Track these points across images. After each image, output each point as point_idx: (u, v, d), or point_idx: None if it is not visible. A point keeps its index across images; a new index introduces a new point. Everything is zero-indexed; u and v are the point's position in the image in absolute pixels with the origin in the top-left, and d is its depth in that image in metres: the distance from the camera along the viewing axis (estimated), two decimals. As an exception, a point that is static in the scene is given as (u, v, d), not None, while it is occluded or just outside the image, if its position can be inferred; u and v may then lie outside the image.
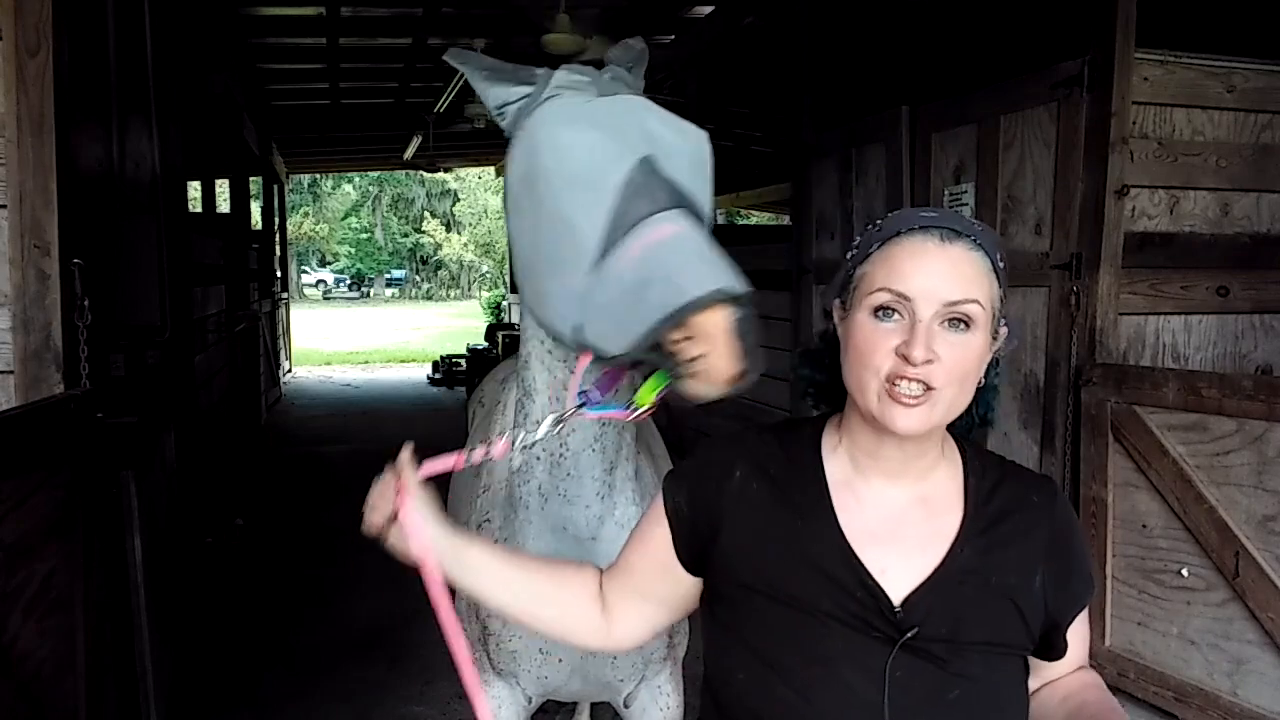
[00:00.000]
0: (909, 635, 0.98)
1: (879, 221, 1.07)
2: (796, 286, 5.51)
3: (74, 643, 2.19)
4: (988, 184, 3.83)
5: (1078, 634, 1.11)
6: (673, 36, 7.63)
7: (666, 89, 8.31)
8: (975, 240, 1.01)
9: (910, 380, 0.96)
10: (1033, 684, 1.11)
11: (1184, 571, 2.98)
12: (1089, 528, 3.27)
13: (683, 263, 1.07)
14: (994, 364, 1.09)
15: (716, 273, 1.05)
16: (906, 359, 0.96)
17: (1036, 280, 3.61)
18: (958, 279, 0.98)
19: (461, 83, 8.76)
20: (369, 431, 8.64)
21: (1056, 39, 4.46)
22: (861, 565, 1.02)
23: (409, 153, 12.67)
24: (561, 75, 1.33)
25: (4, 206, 2.17)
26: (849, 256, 1.09)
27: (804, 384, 1.19)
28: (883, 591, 1.00)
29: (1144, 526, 3.12)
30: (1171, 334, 3.53)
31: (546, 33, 6.22)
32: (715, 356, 1.04)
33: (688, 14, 7.28)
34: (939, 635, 0.99)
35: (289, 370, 13.28)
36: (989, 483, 1.08)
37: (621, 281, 1.11)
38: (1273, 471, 2.71)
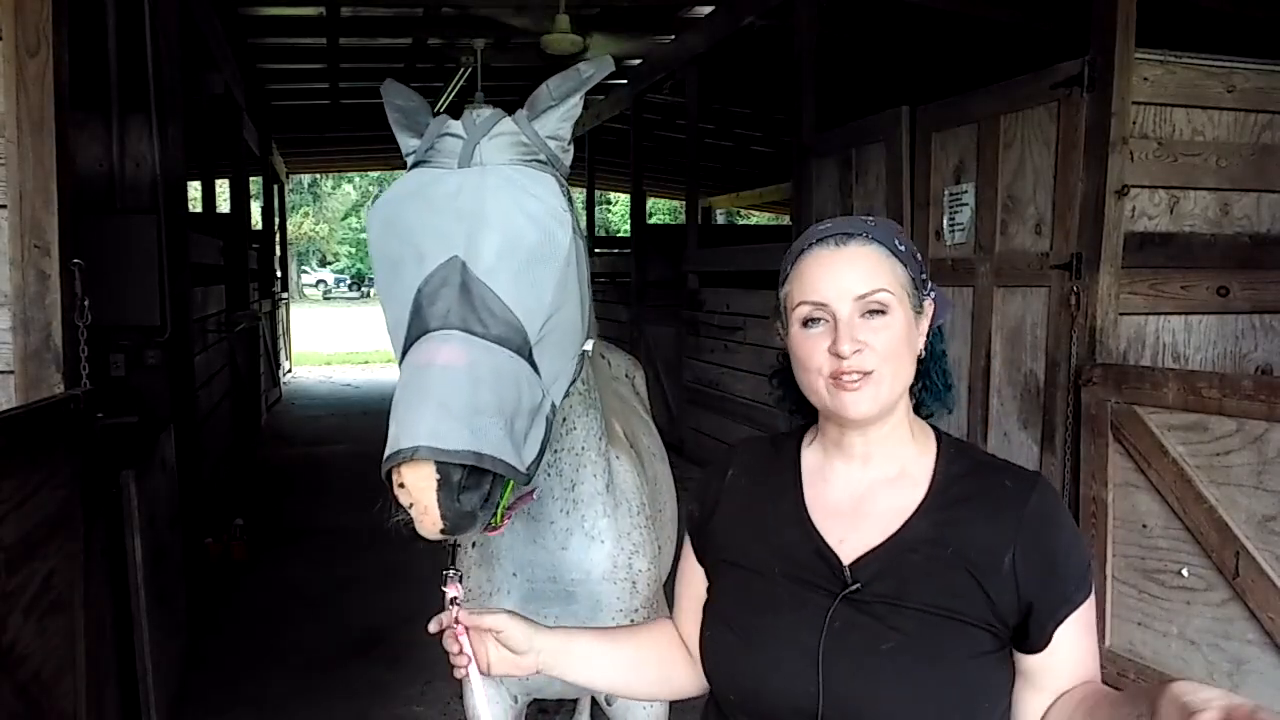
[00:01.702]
0: (851, 589, 1.08)
1: (792, 246, 1.18)
2: (796, 286, 5.51)
3: (74, 643, 2.19)
4: (988, 184, 3.83)
5: (1079, 644, 1.08)
6: (673, 36, 7.62)
7: (666, 89, 8.31)
8: (867, 236, 1.12)
9: (849, 372, 1.08)
10: (1042, 700, 1.09)
11: (1184, 571, 2.98)
12: (1089, 528, 3.27)
13: (415, 404, 1.04)
14: (936, 331, 1.19)
15: (439, 425, 1.02)
16: (839, 355, 1.08)
17: (1036, 280, 3.61)
18: (860, 274, 1.10)
19: (462, 82, 8.77)
20: (369, 431, 8.63)
21: (1056, 39, 4.47)
22: (819, 534, 1.13)
23: (409, 153, 12.65)
24: (435, 132, 1.25)
25: (4, 206, 2.17)
26: (779, 284, 1.19)
27: (783, 403, 1.28)
28: (835, 555, 1.11)
29: (1144, 526, 3.12)
30: (1171, 334, 3.53)
31: (546, 33, 6.22)
32: (416, 511, 1.05)
33: (688, 14, 7.27)
34: (882, 593, 1.07)
35: (289, 370, 13.29)
36: (960, 468, 1.14)
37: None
38: (1273, 471, 2.71)
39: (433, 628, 1.20)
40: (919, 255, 1.17)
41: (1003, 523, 1.07)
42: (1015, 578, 1.05)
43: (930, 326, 1.18)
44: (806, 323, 1.11)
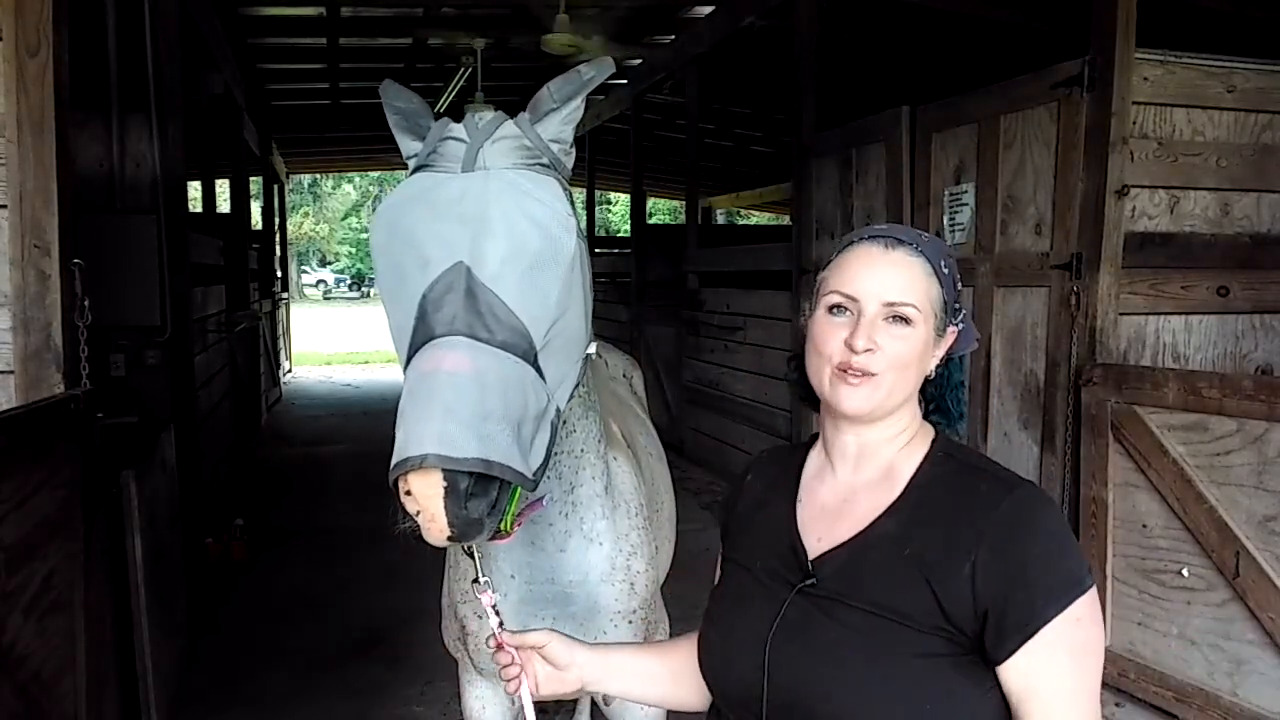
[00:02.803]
0: (807, 584, 1.12)
1: (844, 236, 1.23)
2: (796, 286, 5.52)
3: (74, 643, 2.19)
4: (988, 184, 3.83)
5: (1050, 673, 1.00)
6: (673, 36, 7.62)
7: (666, 89, 8.31)
8: (917, 248, 1.15)
9: (854, 369, 1.11)
10: None
11: (1184, 571, 2.98)
12: (1089, 528, 3.27)
13: (422, 411, 1.03)
14: (957, 361, 1.22)
15: (447, 433, 1.02)
16: (852, 349, 1.10)
17: (1036, 280, 3.61)
18: (897, 282, 1.12)
19: (462, 82, 8.76)
20: (369, 431, 8.64)
21: (1056, 39, 4.46)
22: (797, 532, 1.18)
23: (409, 153, 12.64)
24: (438, 135, 1.24)
25: (4, 206, 2.17)
26: (821, 268, 1.22)
27: (796, 386, 1.28)
28: (804, 550, 1.15)
29: (1144, 526, 3.12)
30: (1172, 334, 3.53)
31: (546, 32, 6.21)
32: (423, 518, 1.05)
33: (688, 14, 7.27)
34: (835, 589, 1.10)
35: (289, 370, 13.28)
36: (943, 470, 1.14)
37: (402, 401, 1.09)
38: (1273, 471, 2.71)
39: (491, 645, 1.24)
40: (959, 282, 1.19)
41: (967, 527, 1.04)
42: (973, 583, 1.01)
43: (950, 354, 1.19)
44: (832, 309, 1.14)
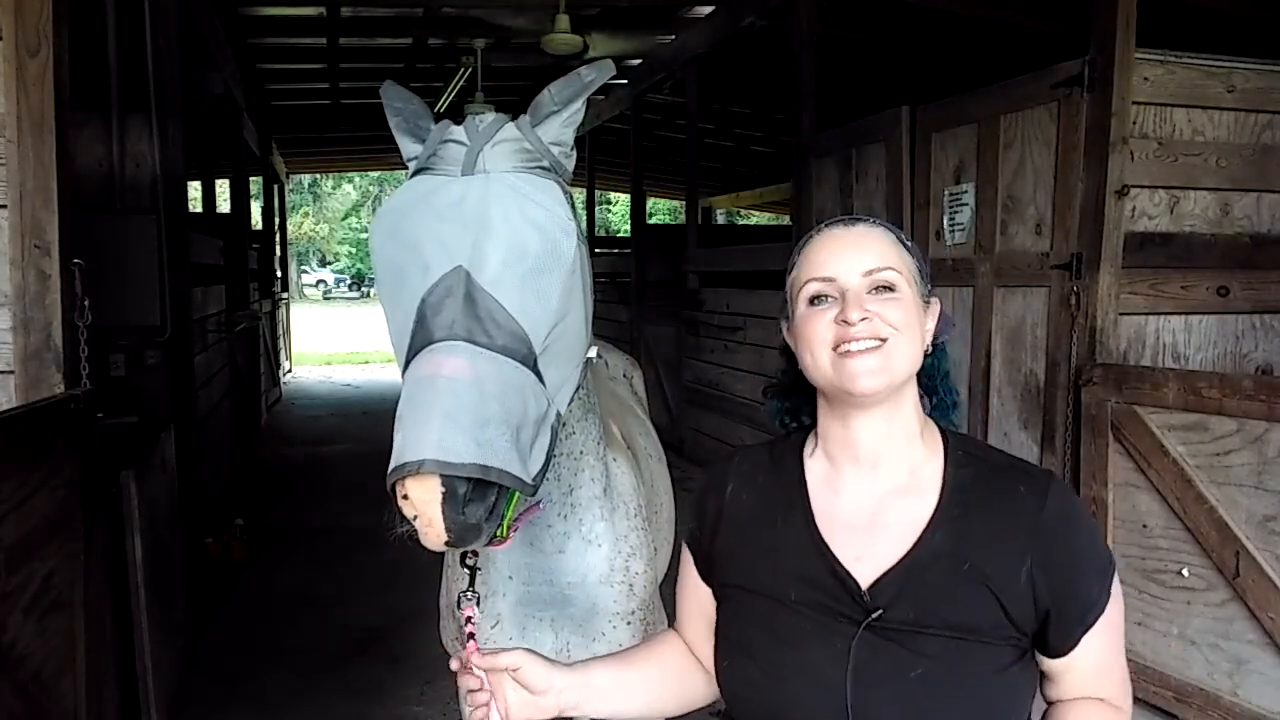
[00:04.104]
0: (874, 617, 1.04)
1: (798, 242, 1.19)
2: (796, 286, 5.51)
3: (74, 643, 2.19)
4: (988, 184, 3.83)
5: (1102, 648, 1.07)
6: (673, 36, 7.62)
7: (666, 89, 8.31)
8: (875, 222, 1.15)
9: (857, 338, 1.05)
10: (1053, 692, 1.12)
11: (1184, 571, 2.98)
12: (1089, 528, 3.27)
13: (420, 416, 1.03)
14: (942, 347, 1.19)
15: (446, 438, 1.01)
16: (847, 323, 1.05)
17: (1036, 280, 3.61)
18: (869, 250, 1.10)
19: (462, 83, 8.76)
20: (369, 431, 8.64)
21: (1057, 39, 4.46)
22: (832, 554, 1.09)
23: (409, 152, 12.63)
24: (438, 138, 1.23)
25: (4, 206, 2.17)
26: (786, 277, 1.18)
27: (778, 416, 1.25)
28: (852, 577, 1.07)
29: (1144, 526, 3.12)
30: (1172, 334, 3.53)
31: (546, 32, 6.21)
32: (421, 523, 1.05)
33: (688, 14, 7.27)
34: (905, 617, 1.04)
35: (289, 370, 13.28)
36: (971, 470, 1.11)
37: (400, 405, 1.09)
38: (1273, 471, 2.71)
39: (454, 665, 1.18)
40: (922, 261, 1.18)
41: (1018, 532, 1.05)
42: (1033, 587, 1.03)
43: (935, 339, 1.16)
44: (814, 300, 1.10)
